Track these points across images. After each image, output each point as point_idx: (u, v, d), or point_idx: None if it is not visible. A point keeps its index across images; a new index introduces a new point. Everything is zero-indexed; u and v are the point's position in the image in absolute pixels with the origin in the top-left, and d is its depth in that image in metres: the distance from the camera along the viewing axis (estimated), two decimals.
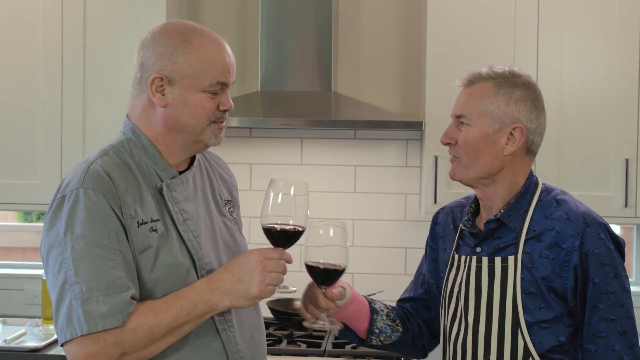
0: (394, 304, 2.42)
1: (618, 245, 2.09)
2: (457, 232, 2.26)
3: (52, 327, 3.50)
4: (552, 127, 3.48)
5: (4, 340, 3.39)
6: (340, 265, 2.04)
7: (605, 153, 3.49)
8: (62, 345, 1.84)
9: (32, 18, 3.62)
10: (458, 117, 2.16)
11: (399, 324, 2.34)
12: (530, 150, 2.16)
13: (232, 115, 3.52)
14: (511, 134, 2.11)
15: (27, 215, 4.86)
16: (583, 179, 3.48)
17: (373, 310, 2.30)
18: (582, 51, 3.50)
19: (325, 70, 3.70)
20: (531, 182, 2.17)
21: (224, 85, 1.98)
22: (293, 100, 3.67)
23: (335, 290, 2.12)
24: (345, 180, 3.98)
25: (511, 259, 2.09)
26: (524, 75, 2.17)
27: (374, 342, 2.32)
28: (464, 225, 2.22)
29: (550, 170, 3.48)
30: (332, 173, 3.97)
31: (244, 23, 3.99)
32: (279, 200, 1.97)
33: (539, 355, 2.06)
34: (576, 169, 3.49)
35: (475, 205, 2.25)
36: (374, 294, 2.65)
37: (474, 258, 2.15)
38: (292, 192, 1.98)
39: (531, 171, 2.19)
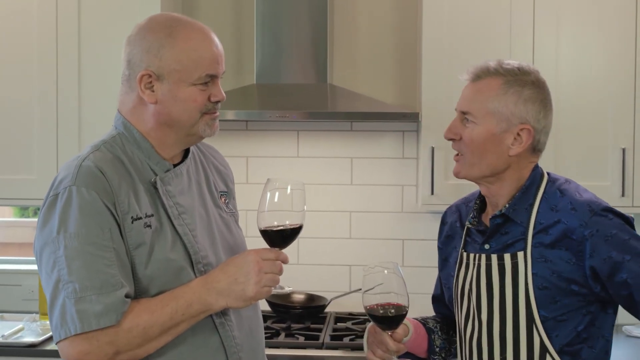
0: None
1: (627, 221, 2.06)
2: (464, 230, 2.23)
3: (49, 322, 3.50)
4: None
5: (2, 336, 3.38)
6: (403, 305, 2.01)
7: (602, 143, 3.48)
8: (56, 344, 1.84)
9: (27, 13, 3.60)
10: (464, 113, 2.11)
11: (453, 335, 2.33)
12: (536, 149, 2.13)
13: (228, 108, 3.52)
14: (518, 134, 2.08)
15: (23, 211, 4.85)
16: (580, 168, 3.47)
17: (429, 331, 2.28)
18: (578, 40, 3.49)
19: (321, 62, 3.68)
20: (536, 174, 2.13)
21: (213, 77, 1.96)
22: (289, 93, 3.66)
23: (400, 330, 2.10)
24: (342, 173, 3.97)
25: (520, 254, 2.06)
26: (533, 72, 2.12)
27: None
28: (470, 223, 2.19)
29: (547, 160, 3.46)
30: (329, 165, 3.97)
31: (240, 16, 3.97)
32: (276, 200, 1.95)
33: (557, 351, 2.04)
34: (573, 159, 3.49)
35: (480, 202, 2.22)
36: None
37: (483, 256, 2.12)
38: (288, 192, 1.96)
39: (536, 163, 2.16)
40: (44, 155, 3.61)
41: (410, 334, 2.17)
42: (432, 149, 3.50)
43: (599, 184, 3.44)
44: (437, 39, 3.53)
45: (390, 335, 2.05)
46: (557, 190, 2.10)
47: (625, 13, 3.45)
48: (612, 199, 3.41)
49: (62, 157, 3.58)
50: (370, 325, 2.11)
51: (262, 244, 1.96)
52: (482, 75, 2.11)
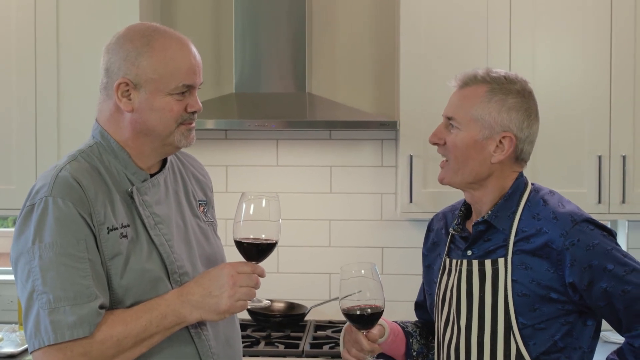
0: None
1: (609, 232, 2.08)
2: (449, 237, 2.24)
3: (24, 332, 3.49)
4: None
5: None
6: (379, 306, 2.02)
7: (579, 150, 3.51)
8: (31, 353, 1.84)
9: (4, 21, 3.59)
10: (449, 118, 2.13)
11: (432, 340, 2.34)
12: (520, 158, 2.14)
13: (207, 118, 3.53)
14: (500, 142, 2.09)
15: (2, 221, 4.82)
16: (557, 176, 3.50)
17: (408, 335, 2.30)
18: (554, 50, 3.53)
19: (300, 71, 3.70)
20: (519, 182, 2.15)
21: (190, 87, 1.96)
22: (268, 102, 3.68)
23: (375, 330, 2.11)
24: (321, 181, 3.98)
25: (501, 261, 2.07)
26: (519, 81, 2.14)
27: None
28: (454, 230, 2.20)
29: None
30: (308, 174, 3.98)
31: (218, 25, 3.98)
32: (251, 213, 1.95)
33: (533, 359, 2.05)
34: (550, 166, 3.52)
35: (465, 209, 2.23)
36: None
37: (465, 262, 2.13)
38: (263, 205, 1.96)
39: (521, 172, 2.17)
40: (23, 165, 3.59)
41: (386, 335, 2.19)
42: (411, 157, 3.52)
43: (575, 191, 3.47)
44: (415, 49, 3.55)
45: (365, 335, 2.07)
46: (541, 199, 2.12)
47: (600, 22, 3.48)
48: (588, 206, 3.44)
49: (40, 167, 3.56)
50: (347, 324, 2.12)
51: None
52: (469, 82, 2.13)
